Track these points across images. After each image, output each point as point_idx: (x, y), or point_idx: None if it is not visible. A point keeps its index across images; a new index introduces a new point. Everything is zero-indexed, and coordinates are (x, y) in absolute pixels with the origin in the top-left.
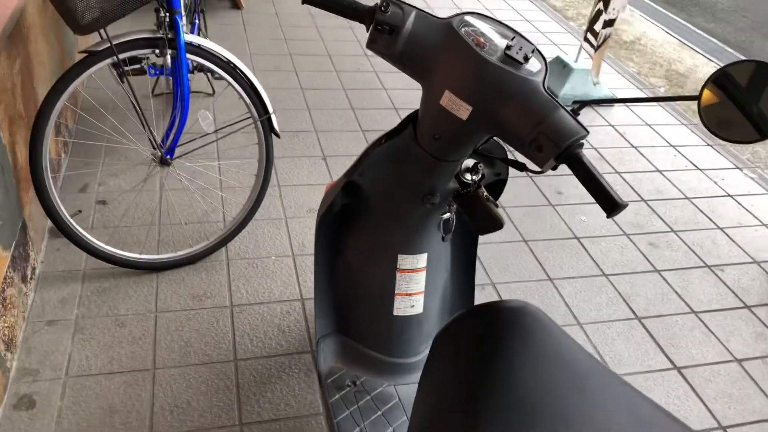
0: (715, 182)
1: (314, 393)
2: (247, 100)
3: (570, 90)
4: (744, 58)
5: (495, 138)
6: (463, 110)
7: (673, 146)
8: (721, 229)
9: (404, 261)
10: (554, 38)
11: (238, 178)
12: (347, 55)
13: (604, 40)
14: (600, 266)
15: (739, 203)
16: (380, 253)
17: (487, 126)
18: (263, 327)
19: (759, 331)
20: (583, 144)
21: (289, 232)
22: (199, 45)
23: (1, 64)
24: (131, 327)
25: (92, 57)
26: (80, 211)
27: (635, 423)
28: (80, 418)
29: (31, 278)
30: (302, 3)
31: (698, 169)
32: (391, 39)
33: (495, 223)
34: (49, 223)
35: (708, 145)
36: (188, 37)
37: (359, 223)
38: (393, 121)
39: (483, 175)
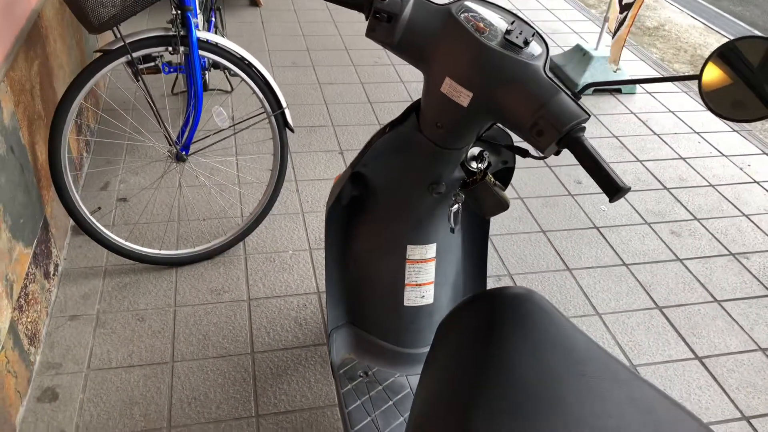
0: (741, 168)
1: (330, 384)
2: (261, 96)
3: (590, 78)
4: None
5: (498, 124)
6: (463, 97)
7: (698, 132)
8: (747, 216)
9: (413, 251)
10: (575, 26)
11: (255, 174)
12: (365, 49)
13: (621, 24)
14: (620, 256)
15: (766, 189)
16: (389, 244)
17: (489, 112)
18: (280, 320)
19: None
20: (584, 128)
21: (306, 227)
22: (213, 42)
23: (19, 65)
24: (151, 321)
25: (106, 56)
26: (100, 208)
27: (636, 409)
28: (101, 410)
29: (53, 275)
30: None
31: (723, 155)
32: (390, 27)
33: (501, 206)
34: (71, 221)
35: (734, 130)
36: (201, 34)
37: (367, 215)
38: None
39: (489, 163)
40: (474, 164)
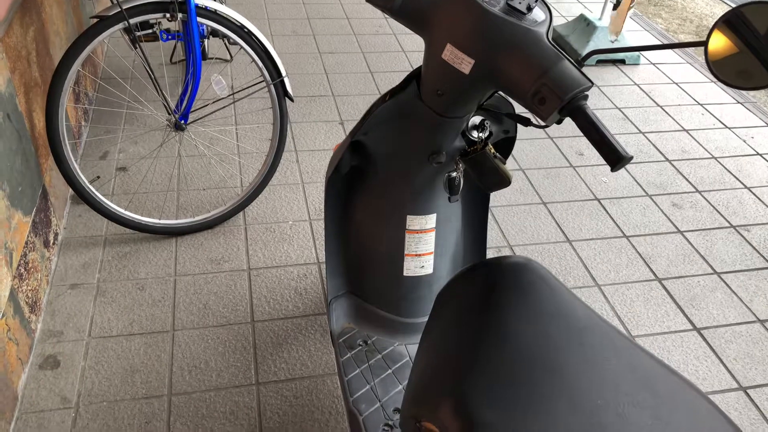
0: (744, 140)
1: (329, 353)
2: (260, 64)
3: (593, 48)
4: None
5: (500, 93)
6: (465, 64)
7: (701, 104)
8: (748, 188)
9: (413, 222)
10: None
11: (254, 143)
12: (366, 18)
13: None
14: (620, 228)
15: None
16: (389, 214)
17: (490, 79)
18: (280, 290)
19: None
20: (587, 96)
21: (306, 197)
22: (211, 9)
23: (14, 31)
24: (151, 290)
25: (103, 22)
26: (99, 177)
27: (633, 377)
28: (102, 377)
29: (53, 243)
30: None
31: (726, 127)
32: None
33: (503, 181)
34: (70, 189)
35: (738, 102)
36: (200, 1)
37: (367, 184)
38: None
39: (490, 133)
40: (475, 133)
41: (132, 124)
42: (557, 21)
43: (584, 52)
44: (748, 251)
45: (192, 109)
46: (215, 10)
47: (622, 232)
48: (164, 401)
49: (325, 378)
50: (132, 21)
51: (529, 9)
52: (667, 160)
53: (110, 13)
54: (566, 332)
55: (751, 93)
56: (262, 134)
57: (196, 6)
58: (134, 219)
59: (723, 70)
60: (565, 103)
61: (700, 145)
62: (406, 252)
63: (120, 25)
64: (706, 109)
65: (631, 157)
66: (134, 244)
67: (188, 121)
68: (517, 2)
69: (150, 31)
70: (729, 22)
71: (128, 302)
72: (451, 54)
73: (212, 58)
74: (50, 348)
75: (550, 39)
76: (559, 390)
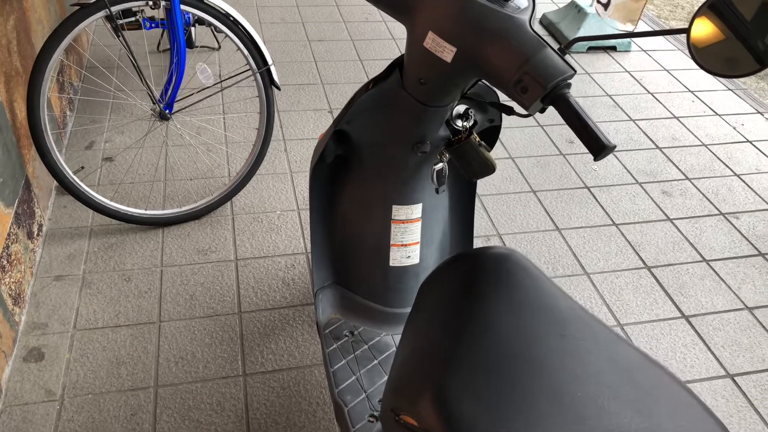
0: (734, 128)
1: (317, 344)
2: (246, 52)
3: (584, 35)
4: None
5: (483, 81)
6: (447, 52)
7: (692, 91)
8: (738, 175)
9: (398, 211)
10: None
11: (242, 133)
12: (355, 5)
13: None
14: (610, 216)
15: (758, 149)
16: (374, 204)
17: (473, 67)
18: (267, 280)
19: None
20: (570, 84)
21: (294, 187)
22: None
23: None
24: (137, 281)
25: (84, 10)
26: (83, 168)
27: (616, 369)
28: (88, 370)
29: (38, 235)
30: None
31: (717, 114)
32: None
33: (487, 168)
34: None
35: (728, 89)
36: None
37: (352, 174)
38: None
39: (475, 122)
40: (459, 122)
41: (118, 113)
42: (548, 7)
43: None
44: (737, 239)
45: (177, 99)
46: None
47: (612, 220)
48: (150, 393)
49: (313, 369)
50: (114, 9)
51: None
52: (657, 147)
53: (91, 1)
54: (547, 324)
55: (741, 79)
56: (250, 123)
57: None
58: (120, 210)
59: (707, 58)
60: (547, 91)
61: (691, 132)
62: (391, 242)
63: (102, 13)
64: (696, 96)
65: (614, 146)
66: (120, 234)
67: (173, 111)
68: None
69: (133, 19)
70: (713, 8)
71: (114, 294)
72: (433, 42)
73: (199, 47)
74: (34, 340)
75: (533, 26)
76: (539, 383)
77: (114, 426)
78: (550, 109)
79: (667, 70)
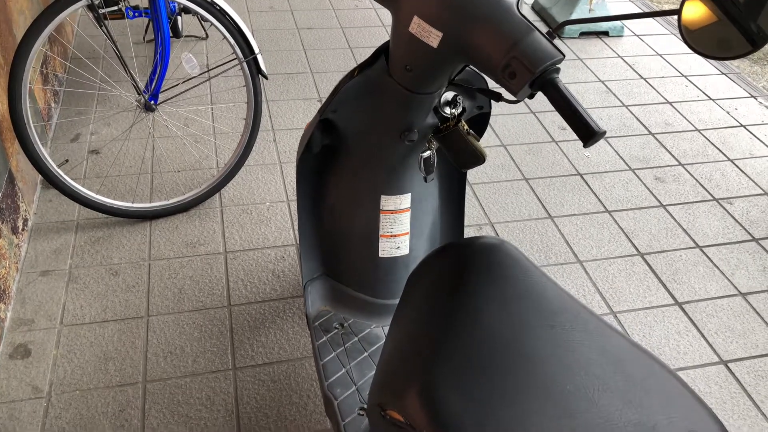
0: (728, 112)
1: (308, 336)
2: (232, 41)
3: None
4: None
5: (471, 67)
6: (433, 37)
7: (685, 76)
8: (731, 160)
9: (387, 202)
10: None
11: (230, 123)
12: None
13: None
14: (603, 203)
15: (752, 133)
16: (362, 194)
17: (460, 53)
18: (257, 272)
19: (766, 264)
20: (559, 69)
21: (284, 177)
22: None
23: None
24: (125, 275)
25: None
26: (67, 161)
27: (606, 359)
28: (75, 366)
29: (23, 229)
30: None
31: (710, 99)
32: None
33: (477, 158)
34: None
35: (722, 73)
36: None
37: (340, 164)
38: None
39: (464, 109)
40: (447, 110)
41: (104, 105)
42: None
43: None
44: (730, 224)
45: (163, 89)
46: None
47: (605, 207)
48: (139, 388)
49: (303, 361)
50: None
51: None
52: (650, 133)
53: None
54: (537, 315)
55: (735, 63)
56: (238, 114)
57: None
58: (106, 203)
59: (699, 41)
60: (535, 76)
61: (684, 117)
62: (381, 233)
63: (83, 2)
64: (690, 81)
65: (604, 132)
66: (107, 228)
67: (158, 102)
68: None
69: (116, 8)
70: None
71: (101, 288)
72: (418, 27)
73: (186, 36)
74: (20, 337)
75: (521, 10)
76: (528, 376)
77: (102, 422)
78: (542, 96)
79: (660, 55)
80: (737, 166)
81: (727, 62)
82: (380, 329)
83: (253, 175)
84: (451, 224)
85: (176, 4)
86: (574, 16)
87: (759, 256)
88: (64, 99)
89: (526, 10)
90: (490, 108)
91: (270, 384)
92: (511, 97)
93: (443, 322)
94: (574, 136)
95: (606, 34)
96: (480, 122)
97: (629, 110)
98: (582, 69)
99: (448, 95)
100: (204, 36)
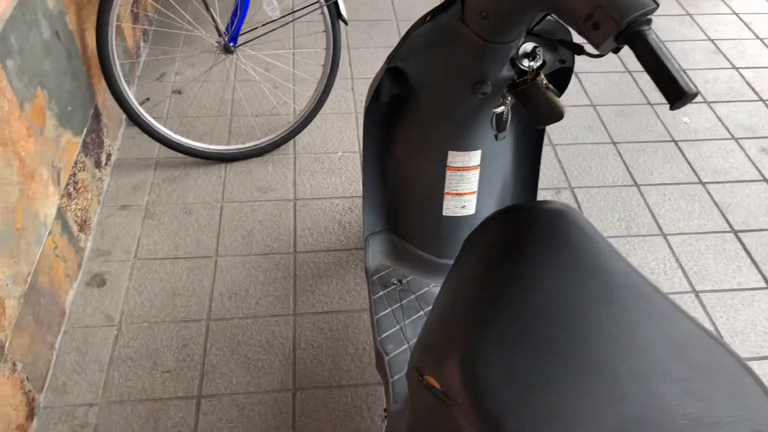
0: None
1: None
2: None
3: None
4: None
5: (552, 16)
6: None
7: None
8: None
9: (455, 158)
10: None
11: (309, 69)
12: None
13: None
14: (697, 173)
15: None
16: (429, 148)
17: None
18: (324, 222)
19: None
20: (650, 20)
21: (358, 127)
22: None
23: None
24: (197, 215)
25: None
26: (148, 99)
27: (667, 343)
28: (145, 299)
29: (106, 164)
30: None
31: None
32: None
33: (555, 114)
34: None
35: None
36: None
37: (408, 115)
38: None
39: (543, 62)
40: (526, 62)
41: (190, 45)
42: None
43: None
44: None
45: (243, 32)
46: None
47: (698, 178)
48: (202, 326)
49: (362, 313)
50: None
51: None
52: (761, 100)
53: None
54: (597, 289)
55: None
56: (318, 60)
57: None
58: (184, 143)
59: None
60: (622, 28)
61: None
62: (446, 190)
63: None
64: None
65: (696, 94)
66: (184, 168)
67: (237, 44)
68: None
69: None
70: None
71: (175, 226)
72: None
73: None
74: (98, 267)
75: None
76: (578, 353)
77: (166, 355)
78: None
79: None
80: None
81: None
82: (438, 289)
83: (328, 123)
84: (524, 186)
85: None
86: None
87: None
88: (153, 38)
89: None
90: (573, 62)
91: (328, 332)
92: (594, 51)
93: (494, 289)
94: None
95: None
96: (562, 77)
97: (740, 73)
98: (690, 26)
99: (528, 46)
100: None
